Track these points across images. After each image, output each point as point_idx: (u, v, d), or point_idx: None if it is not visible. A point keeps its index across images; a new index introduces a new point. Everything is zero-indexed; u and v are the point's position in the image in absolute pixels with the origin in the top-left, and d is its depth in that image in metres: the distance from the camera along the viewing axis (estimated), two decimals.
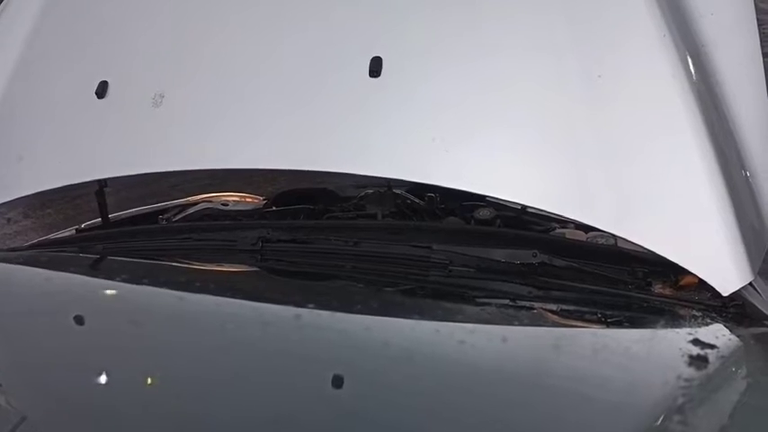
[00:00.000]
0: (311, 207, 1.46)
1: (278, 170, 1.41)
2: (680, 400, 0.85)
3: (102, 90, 1.36)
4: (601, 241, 1.23)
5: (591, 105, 1.15)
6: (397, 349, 0.97)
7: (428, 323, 1.08)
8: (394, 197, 1.43)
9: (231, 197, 1.64)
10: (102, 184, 1.43)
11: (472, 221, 1.35)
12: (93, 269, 1.33)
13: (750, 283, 1.07)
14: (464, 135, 1.19)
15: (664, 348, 1.00)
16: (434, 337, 1.02)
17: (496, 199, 1.27)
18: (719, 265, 1.07)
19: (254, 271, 1.32)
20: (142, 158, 1.33)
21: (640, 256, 1.15)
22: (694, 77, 1.15)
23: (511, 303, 1.15)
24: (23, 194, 1.42)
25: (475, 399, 0.86)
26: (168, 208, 1.63)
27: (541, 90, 1.17)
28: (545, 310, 1.12)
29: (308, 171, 1.28)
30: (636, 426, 0.83)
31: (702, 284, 1.09)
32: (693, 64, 1.17)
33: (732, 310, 1.07)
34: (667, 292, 1.13)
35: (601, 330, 1.08)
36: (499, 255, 1.18)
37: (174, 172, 1.38)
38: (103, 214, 1.48)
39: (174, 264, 1.31)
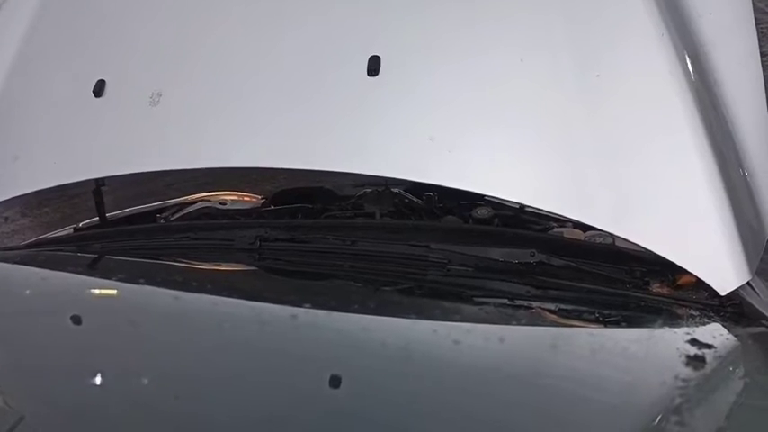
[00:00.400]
0: (309, 206, 1.46)
1: (277, 169, 1.41)
2: (677, 400, 0.85)
3: (99, 89, 1.36)
4: (599, 240, 1.23)
5: (589, 104, 1.15)
6: (394, 349, 0.97)
7: (426, 322, 1.07)
8: (392, 196, 1.43)
9: (229, 196, 1.64)
10: (99, 183, 1.43)
11: (470, 220, 1.35)
12: (91, 269, 1.33)
13: (748, 283, 1.07)
14: (462, 134, 1.19)
15: (661, 348, 1.00)
16: (432, 336, 1.02)
17: (495, 198, 1.27)
18: (717, 265, 1.06)
19: (252, 270, 1.32)
20: (139, 157, 1.33)
21: (638, 256, 1.15)
22: (692, 77, 1.15)
23: (509, 303, 1.15)
24: (19, 194, 1.41)
25: (473, 398, 0.86)
26: (166, 207, 1.63)
27: (539, 89, 1.17)
28: (543, 309, 1.12)
29: (306, 170, 1.28)
30: (634, 425, 0.83)
31: (700, 284, 1.09)
32: (692, 63, 1.17)
33: (730, 309, 1.07)
34: (665, 291, 1.13)
35: (599, 330, 1.08)
36: (497, 254, 1.18)
37: (172, 171, 1.38)
38: (101, 213, 1.48)
39: (171, 263, 1.30)
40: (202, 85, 1.33)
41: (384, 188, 1.43)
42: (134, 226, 1.52)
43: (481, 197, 1.30)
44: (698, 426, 0.82)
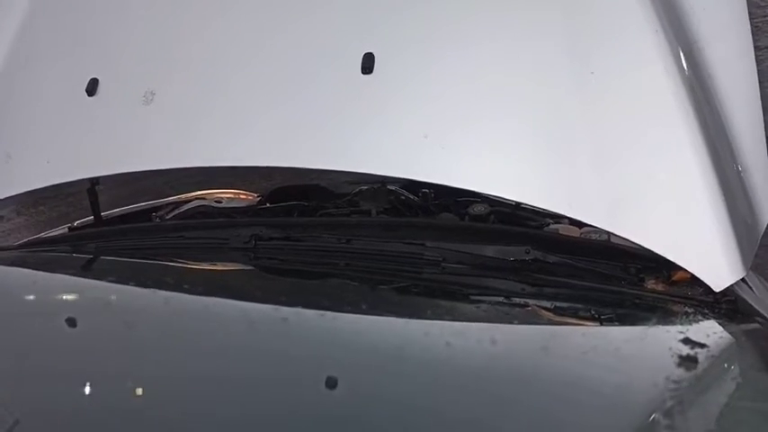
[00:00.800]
0: (305, 204, 1.46)
1: (272, 166, 1.41)
2: (672, 398, 0.85)
3: (92, 87, 1.36)
4: (594, 237, 1.23)
5: (583, 101, 1.14)
6: (390, 347, 0.97)
7: (422, 321, 1.07)
8: (388, 193, 1.42)
9: (225, 194, 1.64)
10: (94, 181, 1.42)
11: (466, 217, 1.35)
12: (86, 269, 1.32)
13: (742, 279, 1.07)
14: (457, 132, 1.18)
15: (656, 346, 1.00)
16: (427, 334, 1.02)
17: (490, 195, 1.26)
18: (712, 261, 1.06)
19: (248, 269, 1.31)
20: (133, 156, 1.32)
21: (633, 252, 1.15)
22: (687, 72, 1.15)
23: (504, 300, 1.15)
24: (12, 194, 1.41)
25: (468, 396, 0.86)
26: (162, 205, 1.62)
27: (534, 86, 1.17)
28: (538, 306, 1.12)
29: (301, 167, 1.27)
30: (629, 423, 0.83)
31: (695, 280, 1.09)
32: (686, 59, 1.16)
33: (724, 305, 1.07)
34: (660, 287, 1.13)
35: (594, 328, 1.08)
36: (492, 251, 1.18)
37: (167, 169, 1.37)
38: (96, 212, 1.47)
39: (167, 263, 1.30)
40: (196, 83, 1.32)
41: (380, 185, 1.42)
42: (129, 225, 1.51)
43: (477, 194, 1.30)
44: (694, 422, 0.82)
